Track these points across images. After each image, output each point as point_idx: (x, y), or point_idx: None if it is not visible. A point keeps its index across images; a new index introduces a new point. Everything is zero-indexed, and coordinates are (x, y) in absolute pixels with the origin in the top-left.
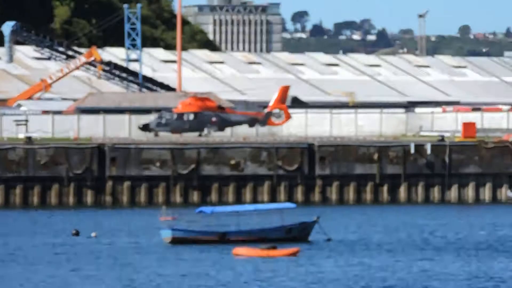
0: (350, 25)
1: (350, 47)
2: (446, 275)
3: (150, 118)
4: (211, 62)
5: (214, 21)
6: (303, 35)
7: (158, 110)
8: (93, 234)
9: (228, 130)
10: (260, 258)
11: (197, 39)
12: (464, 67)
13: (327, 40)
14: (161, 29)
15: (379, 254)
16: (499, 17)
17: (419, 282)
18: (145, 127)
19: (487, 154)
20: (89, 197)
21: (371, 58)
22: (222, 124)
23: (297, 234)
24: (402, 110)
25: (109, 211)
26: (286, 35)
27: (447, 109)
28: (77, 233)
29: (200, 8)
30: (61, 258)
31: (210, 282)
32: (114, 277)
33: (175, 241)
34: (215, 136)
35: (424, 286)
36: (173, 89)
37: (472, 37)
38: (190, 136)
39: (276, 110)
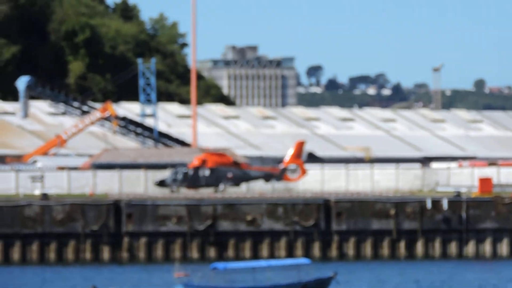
0: (364, 79)
1: (365, 102)
2: None
3: (166, 174)
4: (226, 117)
5: (229, 75)
6: (318, 90)
7: (173, 165)
8: None
9: (244, 186)
10: None
11: (212, 94)
12: (480, 121)
13: (342, 94)
14: (175, 84)
15: None
16: None
17: None
18: (161, 183)
19: (504, 210)
20: (105, 253)
21: (386, 113)
22: (238, 180)
23: None
24: (418, 165)
25: (126, 267)
26: (301, 90)
27: (463, 164)
28: None
29: (215, 62)
30: None
31: None
32: None
33: None
34: (231, 191)
35: None
36: (188, 145)
37: (487, 91)
38: (206, 192)
39: (292, 166)
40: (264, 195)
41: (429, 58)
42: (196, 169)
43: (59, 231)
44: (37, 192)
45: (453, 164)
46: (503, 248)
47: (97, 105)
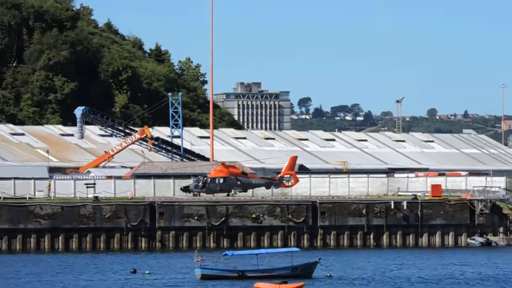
0: (343, 108)
1: (343, 126)
2: None
3: (189, 182)
4: (236, 138)
5: (238, 105)
6: (307, 117)
7: (195, 175)
8: (146, 272)
9: (250, 191)
10: None
11: (225, 120)
12: (432, 141)
13: (326, 120)
14: (197, 112)
15: (366, 286)
16: (459, 102)
17: None
18: (186, 189)
19: (450, 209)
20: (143, 243)
21: (360, 135)
22: (245, 186)
23: (301, 272)
24: (384, 175)
25: (158, 255)
26: (294, 117)
27: (419, 174)
28: (134, 271)
29: (228, 95)
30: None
31: None
32: None
33: (204, 278)
34: (239, 195)
35: None
36: (207, 159)
37: (438, 117)
38: (221, 196)
39: (287, 175)
40: (265, 198)
41: (393, 92)
42: (213, 178)
43: (107, 226)
44: (90, 195)
45: (411, 174)
46: (449, 240)
47: (137, 128)
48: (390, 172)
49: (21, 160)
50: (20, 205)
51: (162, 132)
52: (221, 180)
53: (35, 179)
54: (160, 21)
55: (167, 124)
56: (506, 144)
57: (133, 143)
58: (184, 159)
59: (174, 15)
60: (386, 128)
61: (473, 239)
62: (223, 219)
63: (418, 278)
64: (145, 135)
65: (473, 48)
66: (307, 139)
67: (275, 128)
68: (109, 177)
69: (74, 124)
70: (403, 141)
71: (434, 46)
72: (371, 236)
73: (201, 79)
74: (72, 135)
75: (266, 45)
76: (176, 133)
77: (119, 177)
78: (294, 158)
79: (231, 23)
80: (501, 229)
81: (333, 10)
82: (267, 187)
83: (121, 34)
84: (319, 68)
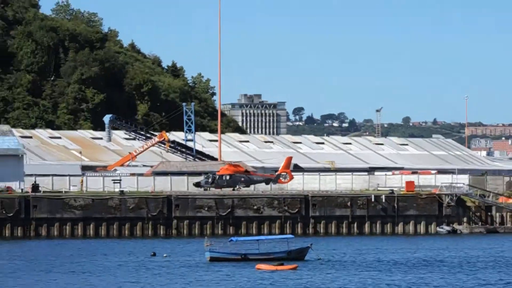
0: (331, 116)
1: (331, 131)
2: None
3: (201, 178)
4: (240, 141)
5: (242, 113)
6: (300, 123)
7: (206, 173)
8: (164, 255)
9: (252, 186)
10: (273, 271)
11: (231, 126)
12: (406, 144)
13: (316, 126)
14: (207, 119)
15: (352, 268)
16: (429, 111)
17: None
18: (197, 184)
19: (422, 202)
20: (161, 231)
21: (345, 139)
22: (248, 182)
23: (295, 256)
24: (365, 173)
25: (174, 240)
26: (289, 123)
27: (395, 172)
28: (154, 254)
29: (233, 105)
30: (140, 270)
31: (242, 285)
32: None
33: (212, 260)
34: (243, 190)
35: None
36: (216, 159)
37: (411, 124)
38: (227, 190)
39: (283, 173)
40: (265, 192)
41: (373, 102)
42: (221, 175)
43: (131, 215)
44: (117, 190)
45: (388, 173)
46: (421, 228)
47: (156, 133)
48: (370, 170)
49: (57, 159)
50: (57, 198)
51: (177, 136)
52: (228, 177)
53: (70, 175)
54: (176, 41)
55: (181, 129)
56: (469, 147)
57: (153, 145)
58: (196, 159)
59: (188, 35)
60: (367, 133)
61: (441, 228)
62: (229, 210)
63: (392, 260)
64: (163, 139)
65: (441, 62)
66: (300, 142)
67: (273, 133)
68: (133, 174)
69: (103, 129)
70: (382, 144)
71: (407, 62)
72: (355, 225)
73: (211, 91)
74: (101, 138)
75: (266, 62)
76: (189, 137)
77: (141, 174)
78: (290, 159)
79: (236, 42)
80: (465, 219)
81: (321, 32)
82: (267, 183)
83: (142, 53)
84: (311, 82)
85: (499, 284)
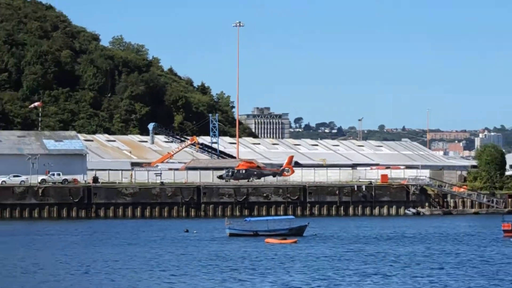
0: (323, 124)
1: (324, 136)
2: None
3: (223, 172)
4: (254, 144)
5: (255, 122)
6: (300, 130)
7: (227, 168)
8: (194, 231)
9: (262, 179)
10: (278, 244)
11: (246, 132)
12: (381, 146)
13: (312, 132)
14: (228, 127)
15: (339, 242)
16: (399, 120)
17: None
18: (220, 177)
19: (393, 191)
20: (192, 213)
21: (334, 142)
22: (259, 176)
23: (295, 232)
24: (350, 168)
25: (203, 220)
26: (291, 130)
27: (373, 168)
28: (187, 231)
29: (248, 115)
30: (176, 242)
31: (250, 254)
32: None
33: (231, 235)
34: (256, 181)
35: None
36: (234, 157)
37: (385, 130)
38: (243, 181)
39: (287, 168)
40: (272, 183)
41: (356, 113)
42: (238, 170)
43: (169, 201)
44: (158, 181)
45: (367, 168)
46: (393, 211)
47: (188, 137)
48: (354, 166)
49: (112, 158)
50: (112, 187)
51: (205, 140)
52: (243, 171)
53: (122, 170)
54: (204, 65)
55: (208, 135)
56: (430, 148)
57: (186, 147)
58: (219, 157)
59: (214, 60)
60: (351, 137)
61: (408, 210)
62: (244, 196)
63: (374, 235)
64: (194, 142)
65: (407, 79)
66: (299, 145)
67: (278, 137)
68: (171, 169)
69: (148, 134)
70: (363, 146)
71: (382, 80)
72: (342, 208)
73: (230, 105)
74: (146, 141)
75: (273, 81)
76: (214, 140)
77: (177, 169)
78: (291, 157)
79: (250, 65)
80: (426, 204)
81: (314, 59)
82: (274, 176)
83: (178, 75)
84: (308, 97)
85: (446, 252)
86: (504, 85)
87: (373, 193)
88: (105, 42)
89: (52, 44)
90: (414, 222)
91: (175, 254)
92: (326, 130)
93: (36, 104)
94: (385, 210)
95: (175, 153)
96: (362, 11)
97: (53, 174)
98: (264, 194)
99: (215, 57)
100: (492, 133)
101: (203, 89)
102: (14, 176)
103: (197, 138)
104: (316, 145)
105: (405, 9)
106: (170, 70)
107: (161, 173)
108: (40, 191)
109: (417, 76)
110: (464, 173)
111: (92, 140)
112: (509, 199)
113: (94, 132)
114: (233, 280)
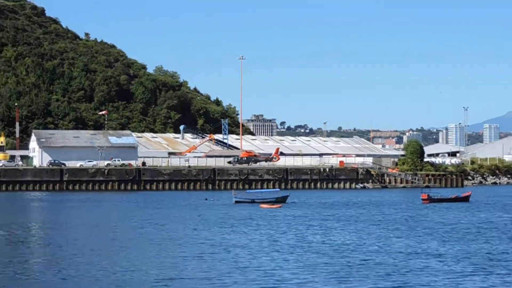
0: (300, 126)
1: (300, 134)
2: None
3: (231, 159)
4: (252, 139)
5: (253, 125)
6: (284, 130)
7: (233, 156)
8: (211, 199)
9: (258, 163)
10: (268, 208)
11: (247, 131)
12: (339, 141)
13: (292, 132)
14: (234, 128)
15: (311, 207)
16: (351, 123)
17: (317, 216)
18: (229, 162)
19: (348, 172)
20: (210, 187)
21: (307, 138)
22: (256, 161)
23: (280, 200)
24: (318, 157)
25: (216, 192)
26: (278, 130)
27: (334, 156)
28: (206, 199)
29: (248, 120)
30: (199, 206)
31: (250, 214)
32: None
33: (237, 202)
34: (253, 165)
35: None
36: (238, 149)
37: (342, 130)
38: (245, 165)
39: (274, 157)
40: (265, 167)
41: (322, 118)
42: (241, 157)
43: (194, 179)
44: (187, 165)
45: (330, 156)
46: (347, 185)
47: (207, 135)
48: (321, 155)
49: (155, 149)
50: (155, 169)
51: (219, 137)
52: (245, 158)
53: (161, 157)
54: (219, 84)
55: (220, 133)
56: (372, 143)
57: (206, 141)
58: (229, 149)
59: (224, 81)
60: (319, 135)
61: (358, 185)
62: (246, 175)
63: (334, 202)
64: (211, 138)
65: (353, 92)
66: (284, 140)
67: (269, 135)
68: (195, 157)
69: (179, 133)
70: (327, 141)
71: (338, 96)
72: (312, 184)
73: (236, 113)
74: (178, 138)
75: (265, 95)
76: (225, 137)
77: (200, 157)
78: (278, 149)
79: (248, 83)
80: (370, 181)
81: (291, 76)
82: (266, 162)
83: (200, 93)
84: (290, 106)
85: (383, 213)
86: (423, 97)
87: (333, 173)
88: (150, 69)
89: (114, 71)
90: (361, 193)
91: (197, 215)
92: (302, 130)
93: (103, 112)
94: (342, 185)
95: (198, 146)
96: (315, 42)
97: (115, 160)
98: (259, 174)
99: (226, 79)
100: (415, 132)
101: (217, 102)
102: (88, 161)
103: (213, 135)
104: (295, 140)
105: (346, 39)
106: (195, 89)
107: (188, 160)
108: (106, 171)
109: (364, 88)
110: (396, 159)
111: (141, 137)
112: (426, 177)
113: (143, 131)
114: (237, 230)
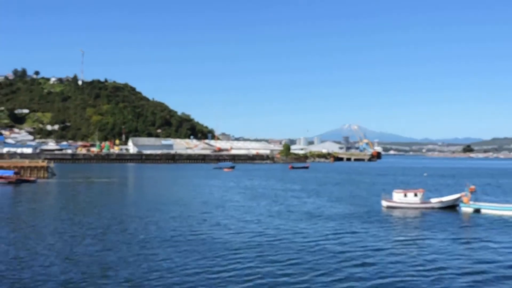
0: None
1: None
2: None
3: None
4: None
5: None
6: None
7: (212, 149)
8: (227, 169)
9: (223, 152)
10: (228, 171)
11: (218, 139)
12: (258, 143)
13: (240, 138)
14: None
15: (248, 171)
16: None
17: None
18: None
19: (261, 156)
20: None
21: (246, 141)
22: (221, 151)
23: (232, 167)
24: (247, 150)
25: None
26: (232, 139)
27: (255, 149)
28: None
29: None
30: (209, 174)
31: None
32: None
33: (215, 169)
34: (221, 153)
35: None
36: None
37: (268, 138)
38: (218, 153)
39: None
40: (226, 154)
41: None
42: (217, 150)
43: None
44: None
45: (253, 150)
46: (258, 161)
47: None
48: (249, 149)
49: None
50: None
51: (207, 141)
52: (218, 150)
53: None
54: (210, 111)
55: (208, 139)
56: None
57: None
58: (211, 146)
59: (214, 111)
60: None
61: (266, 162)
62: (218, 157)
63: (254, 168)
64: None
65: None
66: (234, 142)
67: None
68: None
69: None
70: (252, 143)
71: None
72: (246, 161)
73: (214, 131)
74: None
75: (243, 110)
76: (210, 141)
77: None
78: (231, 147)
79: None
80: (268, 160)
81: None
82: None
83: (195, 121)
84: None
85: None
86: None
87: (254, 156)
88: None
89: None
90: (265, 166)
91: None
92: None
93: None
94: (257, 162)
95: (198, 146)
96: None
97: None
98: (223, 157)
99: (212, 109)
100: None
101: (207, 128)
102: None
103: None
104: (239, 143)
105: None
106: (192, 119)
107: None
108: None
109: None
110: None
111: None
112: (295, 159)
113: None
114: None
